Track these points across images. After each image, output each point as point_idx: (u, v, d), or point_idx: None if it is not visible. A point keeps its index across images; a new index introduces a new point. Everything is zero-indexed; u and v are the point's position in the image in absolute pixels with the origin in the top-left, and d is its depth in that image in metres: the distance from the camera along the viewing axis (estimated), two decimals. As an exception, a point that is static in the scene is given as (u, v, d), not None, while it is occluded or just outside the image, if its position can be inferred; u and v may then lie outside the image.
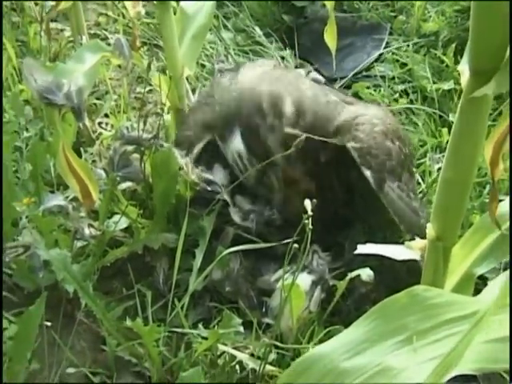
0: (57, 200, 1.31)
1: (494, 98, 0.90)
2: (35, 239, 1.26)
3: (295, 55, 2.14)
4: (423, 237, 1.04)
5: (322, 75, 1.87)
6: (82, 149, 1.66)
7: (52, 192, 1.43)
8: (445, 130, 1.78)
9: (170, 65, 1.54)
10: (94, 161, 1.66)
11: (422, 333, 0.75)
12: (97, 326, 1.28)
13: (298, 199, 1.26)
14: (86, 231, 1.32)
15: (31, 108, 1.73)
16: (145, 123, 1.42)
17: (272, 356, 1.20)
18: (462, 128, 0.91)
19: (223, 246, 1.32)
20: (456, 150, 0.94)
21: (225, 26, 2.24)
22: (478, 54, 0.84)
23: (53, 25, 2.15)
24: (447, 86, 1.93)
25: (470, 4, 0.80)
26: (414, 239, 1.09)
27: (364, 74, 2.09)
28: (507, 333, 0.72)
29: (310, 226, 1.04)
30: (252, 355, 1.19)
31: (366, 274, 1.29)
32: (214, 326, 1.22)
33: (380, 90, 1.98)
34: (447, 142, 0.96)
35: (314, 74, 1.72)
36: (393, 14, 2.30)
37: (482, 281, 1.27)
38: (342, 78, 2.05)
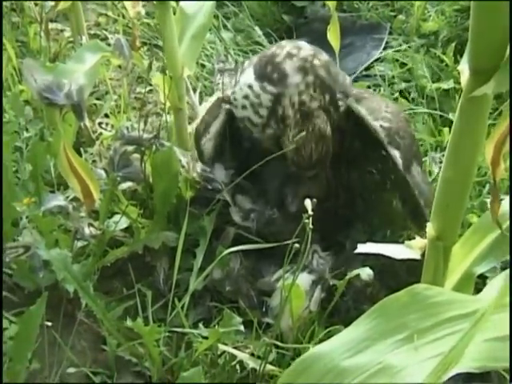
0: (57, 200, 1.31)
1: (494, 97, 0.90)
2: (35, 239, 1.26)
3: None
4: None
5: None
6: (82, 149, 1.66)
7: (52, 192, 1.43)
8: (445, 129, 1.78)
9: (169, 65, 1.54)
10: (94, 161, 1.66)
11: (422, 331, 0.75)
12: (97, 325, 1.28)
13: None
14: (87, 231, 1.32)
15: (31, 108, 1.73)
16: (145, 123, 1.42)
17: (272, 355, 1.20)
18: (462, 127, 0.91)
19: (224, 246, 1.32)
20: (456, 150, 0.94)
21: (225, 26, 2.24)
22: (477, 53, 0.84)
23: (53, 25, 2.15)
24: (447, 85, 1.93)
25: (470, 3, 0.80)
26: (414, 238, 1.09)
27: (364, 73, 2.10)
28: (507, 332, 0.73)
29: (311, 226, 1.04)
30: (252, 355, 1.19)
31: (365, 273, 1.29)
32: (214, 326, 1.22)
33: (380, 90, 1.98)
34: (447, 141, 0.96)
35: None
36: (392, 13, 2.30)
37: (482, 280, 1.27)
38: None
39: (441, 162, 1.59)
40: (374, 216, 1.49)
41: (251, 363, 1.16)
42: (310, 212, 1.05)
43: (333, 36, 1.74)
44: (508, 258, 1.03)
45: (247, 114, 1.35)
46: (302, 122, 1.28)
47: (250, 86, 1.33)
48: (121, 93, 1.86)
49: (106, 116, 1.84)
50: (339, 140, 1.36)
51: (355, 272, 1.28)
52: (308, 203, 1.06)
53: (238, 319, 1.16)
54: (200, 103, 1.84)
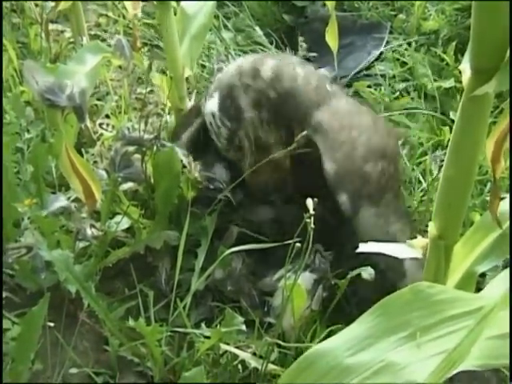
0: (60, 201, 1.31)
1: (495, 95, 0.90)
2: (37, 240, 1.26)
3: (295, 55, 2.14)
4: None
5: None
6: (83, 150, 1.66)
7: (53, 193, 1.43)
8: (445, 128, 1.78)
9: (170, 65, 1.54)
10: (95, 162, 1.66)
11: (425, 329, 0.75)
12: (99, 326, 1.28)
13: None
14: (88, 232, 1.32)
15: (32, 109, 1.73)
16: (146, 124, 1.42)
17: (274, 355, 1.20)
18: (464, 126, 0.91)
19: (227, 246, 1.32)
20: (457, 148, 0.94)
21: (225, 26, 2.24)
22: (479, 52, 0.84)
23: (53, 26, 2.15)
24: (448, 84, 1.94)
25: (470, 2, 0.80)
26: (415, 237, 1.09)
27: (364, 72, 2.10)
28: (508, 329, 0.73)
29: (312, 226, 1.04)
30: (254, 354, 1.19)
31: (367, 272, 1.29)
32: (216, 326, 1.22)
33: (380, 89, 1.99)
34: (448, 140, 0.97)
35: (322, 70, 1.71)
36: (393, 12, 2.30)
37: (484, 279, 1.27)
38: (342, 77, 2.05)
39: (442, 161, 1.59)
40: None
41: (253, 363, 1.16)
42: (312, 211, 1.05)
43: (331, 36, 1.74)
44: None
45: (213, 137, 1.39)
46: (257, 153, 1.32)
47: (213, 115, 1.37)
48: (121, 93, 1.86)
49: (107, 117, 1.84)
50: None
51: (356, 271, 1.28)
52: (309, 202, 1.06)
53: (240, 319, 1.16)
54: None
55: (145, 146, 1.38)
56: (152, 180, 1.43)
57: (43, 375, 1.21)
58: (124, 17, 2.23)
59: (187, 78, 1.63)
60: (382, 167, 1.31)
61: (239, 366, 1.20)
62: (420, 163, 1.69)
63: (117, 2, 2.30)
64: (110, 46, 1.53)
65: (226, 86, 1.35)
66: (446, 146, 0.98)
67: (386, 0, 2.35)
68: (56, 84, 1.26)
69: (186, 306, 1.26)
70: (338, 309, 1.31)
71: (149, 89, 1.93)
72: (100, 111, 1.86)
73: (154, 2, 1.58)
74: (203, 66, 2.06)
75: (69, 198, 1.38)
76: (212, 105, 1.37)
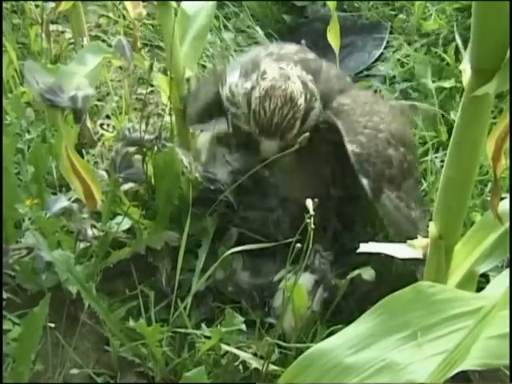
0: (61, 202, 1.32)
1: (495, 95, 0.90)
2: (38, 241, 1.27)
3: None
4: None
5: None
6: (83, 150, 1.67)
7: (54, 194, 1.43)
8: (446, 128, 1.78)
9: (171, 66, 1.54)
10: (96, 162, 1.67)
11: (426, 328, 0.75)
12: (100, 326, 1.28)
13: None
14: (89, 232, 1.32)
15: (33, 110, 1.73)
16: (146, 124, 1.43)
17: (275, 355, 1.20)
18: (464, 126, 0.91)
19: (227, 247, 1.32)
20: (458, 148, 0.94)
21: (225, 27, 2.24)
22: (479, 53, 0.84)
23: (54, 27, 2.15)
24: (448, 84, 1.93)
25: (470, 2, 0.80)
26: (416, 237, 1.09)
27: (365, 73, 2.09)
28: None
29: (312, 226, 1.04)
30: (255, 355, 1.19)
31: (367, 272, 1.29)
32: (216, 326, 1.22)
33: (381, 89, 1.98)
34: (447, 139, 0.97)
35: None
36: (393, 12, 2.30)
37: (485, 278, 1.27)
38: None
39: (442, 162, 1.59)
40: (376, 215, 1.48)
41: (254, 363, 1.17)
42: (312, 212, 1.05)
43: (333, 36, 1.74)
44: (510, 256, 1.03)
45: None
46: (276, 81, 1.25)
47: (235, 85, 1.34)
48: (122, 94, 1.86)
49: (108, 117, 1.84)
50: (334, 141, 1.35)
51: (357, 271, 1.28)
52: (309, 203, 1.06)
53: (240, 318, 1.16)
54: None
55: (145, 146, 1.38)
56: (153, 181, 1.43)
57: (44, 376, 1.21)
58: (124, 17, 2.23)
59: (188, 79, 1.62)
60: (402, 153, 1.33)
61: (240, 367, 1.20)
62: (421, 163, 1.69)
63: (117, 3, 2.30)
64: (110, 46, 1.53)
65: (248, 57, 1.37)
66: (446, 147, 0.98)
67: (386, 0, 2.35)
68: (56, 84, 1.26)
69: (186, 307, 1.26)
70: (339, 309, 1.31)
71: (149, 89, 1.93)
72: (101, 112, 1.86)
73: (155, 3, 1.58)
74: (204, 67, 2.06)
75: (70, 199, 1.39)
76: (233, 78, 1.36)
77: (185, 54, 1.56)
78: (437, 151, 1.73)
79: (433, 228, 1.02)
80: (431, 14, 2.20)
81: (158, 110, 1.91)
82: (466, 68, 0.87)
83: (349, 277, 1.28)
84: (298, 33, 2.20)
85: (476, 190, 1.58)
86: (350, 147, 1.27)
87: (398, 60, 2.09)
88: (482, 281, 1.20)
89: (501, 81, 0.81)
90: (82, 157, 1.63)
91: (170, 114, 1.59)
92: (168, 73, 1.52)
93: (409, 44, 2.13)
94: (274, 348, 1.19)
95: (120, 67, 1.99)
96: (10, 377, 1.13)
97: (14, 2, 2.17)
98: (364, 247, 1.09)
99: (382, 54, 2.14)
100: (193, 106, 1.47)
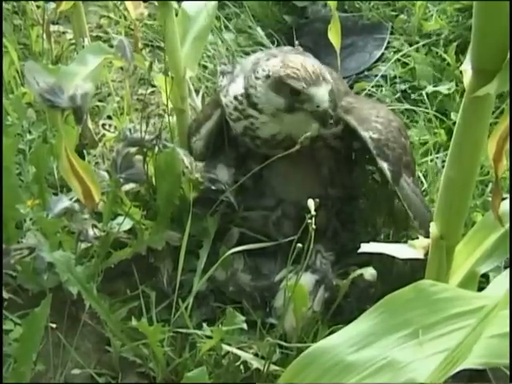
0: (63, 203, 1.32)
1: (496, 96, 0.90)
2: (39, 241, 1.27)
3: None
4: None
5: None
6: (85, 151, 1.67)
7: (55, 194, 1.43)
8: (446, 128, 1.78)
9: (172, 66, 1.54)
10: (97, 163, 1.67)
11: (427, 327, 0.76)
12: (101, 327, 1.28)
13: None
14: (90, 233, 1.32)
15: (34, 111, 1.73)
16: (147, 125, 1.43)
17: (276, 356, 1.20)
18: (465, 127, 0.92)
19: (228, 247, 1.32)
20: (459, 149, 0.94)
21: (226, 27, 2.24)
22: (480, 53, 0.84)
23: (55, 27, 2.15)
24: (449, 84, 1.93)
25: (471, 3, 0.80)
26: (417, 238, 1.09)
27: (366, 73, 2.09)
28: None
29: (314, 226, 1.04)
30: (256, 355, 1.20)
31: (368, 272, 1.29)
32: (218, 326, 1.22)
33: (382, 90, 1.98)
34: (446, 140, 0.97)
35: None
36: (394, 13, 2.29)
37: (486, 279, 1.27)
38: (344, 78, 2.04)
39: (443, 162, 1.59)
40: (378, 215, 1.49)
41: (255, 363, 1.17)
42: (313, 212, 1.05)
43: (334, 36, 1.74)
44: (511, 256, 1.03)
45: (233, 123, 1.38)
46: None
47: (237, 97, 1.35)
48: (123, 94, 1.86)
49: (109, 118, 1.84)
50: (336, 143, 1.37)
51: (358, 272, 1.28)
52: (310, 203, 1.06)
53: (241, 318, 1.16)
54: (202, 104, 1.84)
55: (146, 147, 1.39)
56: (154, 181, 1.43)
57: (45, 376, 1.21)
58: (125, 18, 2.23)
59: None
60: (409, 144, 1.39)
61: (241, 367, 1.20)
62: (421, 164, 1.69)
63: (118, 4, 2.30)
64: (111, 47, 1.53)
65: (251, 64, 1.36)
66: (447, 147, 0.98)
67: (386, 0, 2.34)
68: (56, 85, 1.26)
69: (187, 307, 1.27)
70: (340, 309, 1.31)
71: (150, 90, 1.93)
72: (102, 112, 1.86)
73: (156, 3, 1.58)
74: (205, 67, 2.06)
75: (71, 199, 1.39)
76: (236, 88, 1.36)
77: (186, 55, 1.57)
78: (437, 152, 1.73)
79: (434, 228, 1.02)
80: (432, 15, 2.19)
81: (158, 110, 1.91)
82: (467, 69, 0.87)
83: (350, 277, 1.28)
84: (298, 33, 2.20)
85: (477, 190, 1.58)
86: (367, 134, 1.30)
87: (399, 60, 2.09)
88: (483, 281, 1.20)
89: (502, 81, 0.81)
90: (84, 157, 1.63)
91: (170, 115, 1.59)
92: (169, 73, 1.52)
93: (410, 44, 2.13)
94: (275, 348, 1.19)
95: (121, 68, 1.99)
96: (11, 377, 1.13)
97: (15, 3, 2.18)
98: (365, 247, 1.09)
99: (382, 54, 2.14)
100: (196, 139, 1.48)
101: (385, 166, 1.28)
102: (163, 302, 1.33)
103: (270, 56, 1.35)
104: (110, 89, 1.91)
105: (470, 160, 0.94)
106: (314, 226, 1.04)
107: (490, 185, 1.60)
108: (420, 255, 1.07)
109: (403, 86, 2.00)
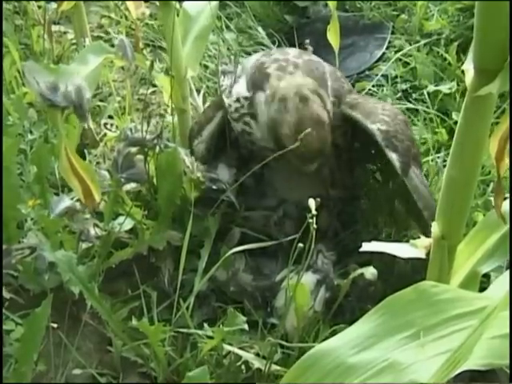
0: (65, 203, 1.32)
1: (498, 95, 0.90)
2: (40, 241, 1.27)
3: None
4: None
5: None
6: (86, 150, 1.67)
7: (57, 194, 1.43)
8: (447, 128, 1.78)
9: (173, 66, 1.54)
10: (98, 162, 1.67)
11: (429, 328, 0.75)
12: (102, 327, 1.28)
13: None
14: (91, 233, 1.32)
15: (35, 110, 1.73)
16: (148, 124, 1.43)
17: (277, 355, 1.20)
18: (467, 126, 0.91)
19: (229, 247, 1.32)
20: (460, 149, 0.94)
21: (227, 27, 2.24)
22: (482, 53, 0.84)
23: (56, 27, 2.15)
24: (450, 84, 1.93)
25: (473, 2, 0.80)
26: (419, 237, 1.09)
27: (367, 73, 2.09)
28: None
29: (315, 226, 1.04)
30: (257, 355, 1.19)
31: (369, 272, 1.29)
32: (219, 326, 1.22)
33: (383, 90, 1.98)
34: (448, 139, 0.97)
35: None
36: (395, 12, 2.29)
37: (487, 279, 1.27)
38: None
39: (444, 161, 1.59)
40: (379, 215, 1.49)
41: (256, 363, 1.17)
42: (314, 212, 1.05)
43: (333, 36, 1.74)
44: (513, 256, 1.03)
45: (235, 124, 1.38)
46: (299, 107, 1.26)
47: (241, 98, 1.35)
48: (124, 94, 1.86)
49: (110, 117, 1.84)
50: (339, 142, 1.36)
51: (359, 271, 1.28)
52: (312, 203, 1.06)
53: (242, 318, 1.16)
54: (203, 104, 1.84)
55: (147, 146, 1.38)
56: (155, 181, 1.43)
57: (46, 376, 1.21)
58: (126, 18, 2.23)
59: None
60: (414, 138, 1.40)
61: (242, 367, 1.20)
62: (422, 163, 1.69)
63: (119, 4, 2.30)
64: (112, 46, 1.53)
65: (253, 66, 1.36)
66: (448, 147, 0.98)
67: (387, 0, 2.34)
68: (55, 84, 1.26)
69: (189, 307, 1.26)
70: (341, 309, 1.31)
71: (151, 89, 1.93)
72: (103, 112, 1.86)
73: (157, 3, 1.58)
74: (206, 67, 2.06)
75: (72, 199, 1.39)
76: (239, 89, 1.36)
77: (187, 54, 1.57)
78: (438, 151, 1.73)
79: (436, 228, 1.02)
80: (433, 14, 2.19)
81: (160, 110, 1.91)
82: (468, 68, 0.87)
83: (351, 276, 1.28)
84: (299, 33, 2.20)
85: (478, 190, 1.58)
86: (375, 126, 1.30)
87: (400, 60, 2.09)
88: (484, 281, 1.20)
89: (503, 81, 0.81)
90: (84, 157, 1.63)
91: (171, 114, 1.59)
92: (170, 73, 1.52)
93: (410, 44, 2.13)
94: (277, 348, 1.19)
95: (122, 67, 1.99)
96: (12, 377, 1.13)
97: (16, 3, 2.18)
98: (366, 246, 1.09)
99: (383, 54, 2.14)
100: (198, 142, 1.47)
101: (394, 157, 1.28)
102: (164, 302, 1.33)
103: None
104: (111, 88, 1.91)
105: (471, 159, 0.94)
106: (315, 226, 1.04)
107: (492, 184, 1.60)
108: (422, 255, 1.07)
109: (404, 86, 2.00)
